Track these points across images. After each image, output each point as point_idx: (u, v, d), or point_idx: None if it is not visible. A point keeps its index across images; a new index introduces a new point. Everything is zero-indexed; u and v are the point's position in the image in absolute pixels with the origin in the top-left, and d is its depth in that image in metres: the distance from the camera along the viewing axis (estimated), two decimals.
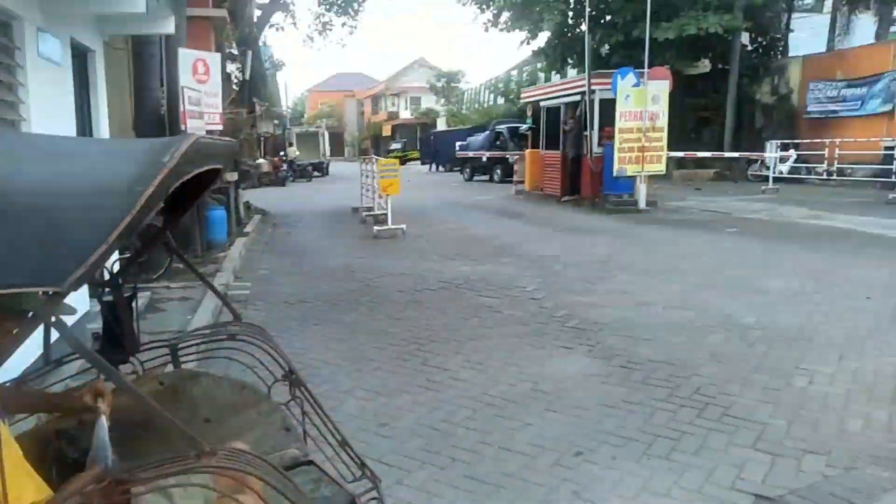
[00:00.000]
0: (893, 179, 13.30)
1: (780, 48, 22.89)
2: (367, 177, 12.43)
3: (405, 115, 57.04)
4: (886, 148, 14.37)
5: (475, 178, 24.53)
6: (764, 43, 22.99)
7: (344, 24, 26.32)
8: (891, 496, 2.76)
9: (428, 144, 36.32)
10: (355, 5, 25.38)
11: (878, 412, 3.55)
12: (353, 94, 66.68)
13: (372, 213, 11.61)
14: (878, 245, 8.63)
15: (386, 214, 10.37)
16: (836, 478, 2.87)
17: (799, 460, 3.03)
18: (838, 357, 4.43)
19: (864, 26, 25.86)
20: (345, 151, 60.86)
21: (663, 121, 12.52)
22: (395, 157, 32.46)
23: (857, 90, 17.96)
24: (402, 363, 4.53)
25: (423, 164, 36.57)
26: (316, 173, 29.92)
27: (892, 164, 13.62)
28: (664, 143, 12.58)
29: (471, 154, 24.68)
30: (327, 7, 25.88)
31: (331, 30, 26.79)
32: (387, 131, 57.15)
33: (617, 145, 12.24)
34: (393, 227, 10.10)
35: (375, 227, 10.37)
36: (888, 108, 16.55)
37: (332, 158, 39.34)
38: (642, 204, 12.37)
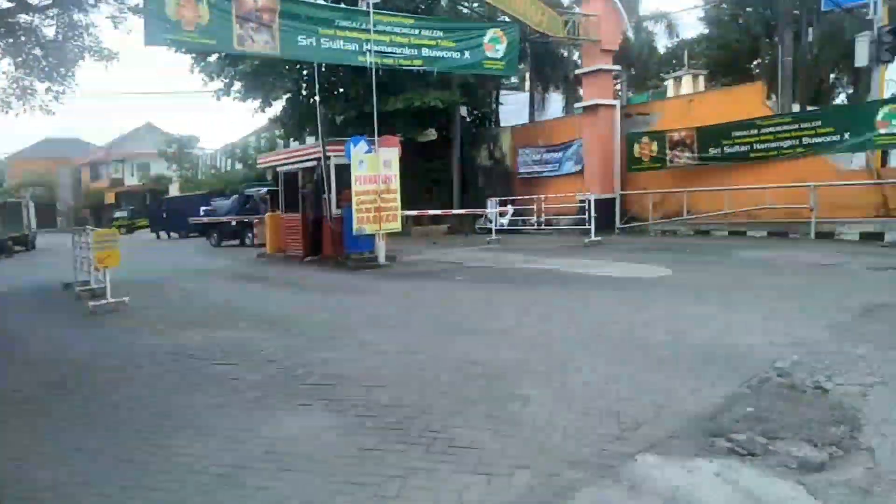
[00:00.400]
0: (587, 227, 15.74)
1: (493, 119, 26.02)
2: (81, 249, 11.13)
3: (132, 181, 52.66)
4: (580, 202, 17.01)
5: (224, 243, 23.48)
6: (479, 115, 25.92)
7: (49, 90, 23.45)
8: (583, 494, 3.16)
9: (158, 211, 33.89)
10: (62, 70, 22.85)
11: (574, 424, 4.07)
12: (68, 161, 59.84)
13: (88, 287, 10.38)
14: (579, 282, 10.05)
15: (105, 288, 9.34)
16: (539, 486, 3.21)
17: (510, 476, 3.33)
18: (546, 380, 5.00)
19: (556, 102, 30.60)
20: (57, 222, 53.93)
21: (396, 183, 13.29)
22: (119, 226, 29.44)
23: (555, 154, 21.08)
24: (121, 449, 4.04)
25: (153, 231, 33.93)
26: (18, 247, 26.04)
27: (584, 214, 16.14)
28: (398, 203, 13.34)
29: (219, 219, 23.69)
30: (27, 71, 22.93)
31: (32, 95, 23.71)
32: (110, 199, 52.11)
33: (355, 207, 12.67)
34: (113, 300, 9.12)
35: (91, 303, 9.26)
36: (579, 168, 19.70)
37: (42, 230, 34.62)
38: (382, 259, 12.91)
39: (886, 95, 15.92)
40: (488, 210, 18.50)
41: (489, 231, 17.92)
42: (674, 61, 32.26)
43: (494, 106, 26.40)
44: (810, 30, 25.37)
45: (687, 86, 26.71)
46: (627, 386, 4.78)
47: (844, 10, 18.48)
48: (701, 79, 27.57)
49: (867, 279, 9.25)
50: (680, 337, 6.23)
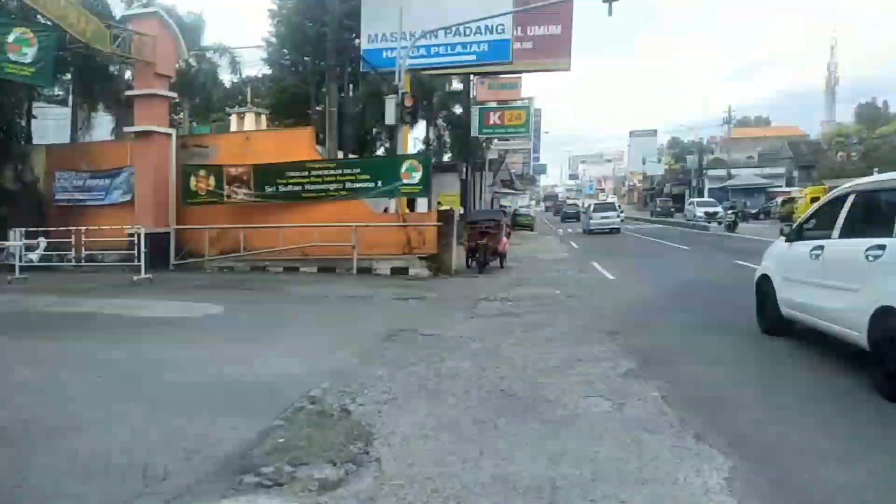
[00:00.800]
0: (136, 263, 14.51)
1: (23, 135, 22.09)
2: None
3: None
4: (129, 235, 15.57)
5: None
6: (4, 128, 21.70)
7: None
8: None
9: None
10: None
11: (91, 488, 3.58)
12: None
13: None
14: (120, 325, 9.08)
15: None
16: None
17: None
18: (60, 444, 4.29)
19: (105, 124, 27.81)
20: None
21: None
22: None
23: (102, 181, 18.96)
24: None
25: None
26: None
27: (134, 249, 14.86)
28: None
29: None
30: None
31: None
32: None
33: None
34: None
35: None
36: (129, 198, 18.06)
37: None
38: None
39: (411, 151, 19.03)
40: (11, 242, 15.43)
41: (13, 268, 14.95)
42: (239, 97, 32.77)
43: (25, 119, 22.47)
44: (351, 85, 28.86)
45: (250, 123, 27.41)
46: (159, 435, 4.44)
47: (379, 74, 21.54)
48: (263, 118, 28.63)
49: (393, 308, 10.71)
50: (221, 376, 6.13)
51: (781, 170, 60.88)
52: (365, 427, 4.62)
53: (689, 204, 45.79)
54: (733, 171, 58.74)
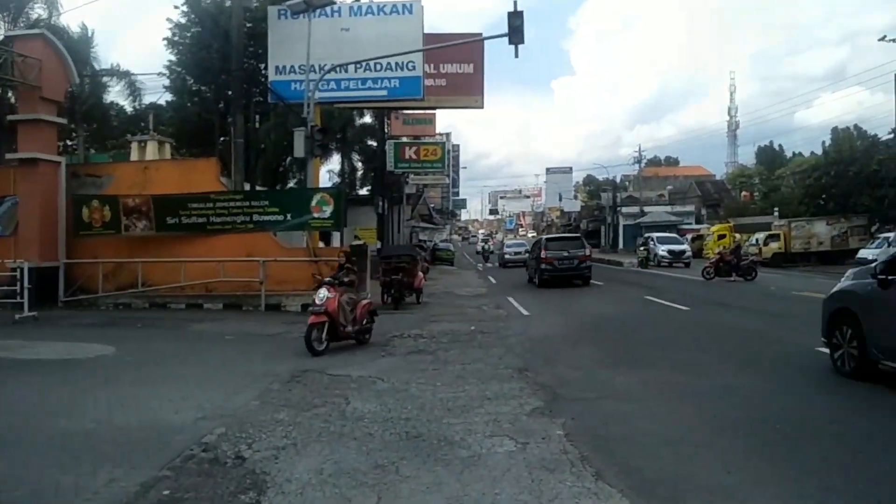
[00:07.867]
0: (20, 300, 13.41)
1: None
2: None
3: None
4: (12, 270, 14.37)
5: None
6: None
7: None
8: None
9: None
10: None
11: None
12: None
13: None
14: None
15: None
16: None
17: None
18: None
19: None
20: None
21: None
22: None
23: None
24: None
25: None
26: None
27: (16, 285, 13.71)
28: None
29: None
30: None
31: None
32: None
33: None
34: None
35: None
36: (10, 230, 16.65)
37: None
38: None
39: (327, 184, 18.53)
40: None
41: None
42: (142, 123, 31.29)
43: None
44: (258, 116, 28.10)
45: (152, 152, 26.13)
46: (26, 490, 4.02)
47: (288, 105, 21.08)
48: (168, 146, 27.43)
49: (300, 347, 10.12)
50: (108, 422, 5.69)
51: (691, 208, 62.63)
52: (259, 475, 4.36)
53: (649, 240, 36.41)
54: (646, 209, 60.21)
